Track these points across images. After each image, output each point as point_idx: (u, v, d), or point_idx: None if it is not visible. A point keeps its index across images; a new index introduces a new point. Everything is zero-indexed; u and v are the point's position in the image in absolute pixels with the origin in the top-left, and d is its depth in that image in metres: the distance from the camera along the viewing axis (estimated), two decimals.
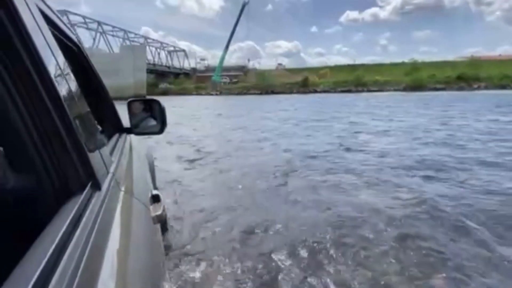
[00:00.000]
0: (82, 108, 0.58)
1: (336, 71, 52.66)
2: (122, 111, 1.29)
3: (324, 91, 41.26)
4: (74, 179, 0.46)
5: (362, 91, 39.10)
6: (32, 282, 0.25)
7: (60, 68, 0.49)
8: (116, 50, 42.32)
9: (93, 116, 0.70)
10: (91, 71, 1.08)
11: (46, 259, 0.29)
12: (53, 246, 0.31)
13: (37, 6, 0.48)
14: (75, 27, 41.83)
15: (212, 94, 46.04)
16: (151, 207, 0.82)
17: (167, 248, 1.89)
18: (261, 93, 42.84)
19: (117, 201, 0.60)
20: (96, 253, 0.39)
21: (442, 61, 51.09)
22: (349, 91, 39.40)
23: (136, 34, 53.50)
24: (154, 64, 51.98)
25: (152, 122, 1.27)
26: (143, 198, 0.80)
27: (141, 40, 53.03)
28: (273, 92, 43.00)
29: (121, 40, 49.75)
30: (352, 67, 54.24)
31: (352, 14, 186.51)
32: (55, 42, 0.52)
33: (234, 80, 55.98)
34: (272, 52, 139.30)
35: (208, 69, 66.97)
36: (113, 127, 1.20)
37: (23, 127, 0.41)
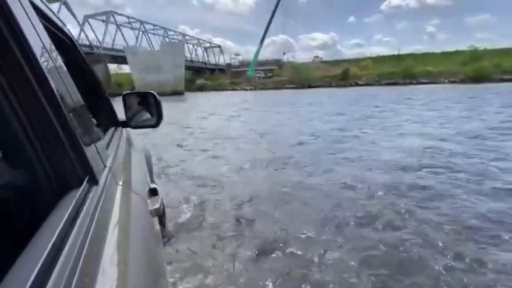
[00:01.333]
0: (77, 102, 0.58)
1: (378, 62, 48.73)
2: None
3: (367, 84, 38.28)
4: (70, 174, 0.46)
5: (411, 83, 35.39)
6: (31, 279, 0.25)
7: (53, 62, 0.49)
8: (157, 48, 43.67)
9: (88, 110, 0.70)
10: (85, 65, 1.07)
11: (44, 255, 0.29)
12: (51, 242, 0.31)
13: None
14: (121, 27, 44.14)
15: (246, 89, 45.57)
16: (148, 201, 0.82)
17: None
18: (296, 87, 41.24)
19: (114, 195, 0.59)
20: (95, 248, 0.38)
21: (507, 48, 44.33)
22: (395, 83, 35.99)
23: (175, 31, 55.06)
24: (191, 61, 53.03)
25: (148, 116, 1.25)
26: (141, 192, 0.80)
27: (180, 38, 54.37)
28: (309, 86, 41.07)
29: (161, 38, 51.67)
30: (396, 58, 49.84)
31: (394, 1, 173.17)
32: (48, 36, 0.52)
33: (269, 74, 54.90)
34: (307, 45, 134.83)
35: (243, 64, 66.77)
36: (109, 121, 1.18)
37: (18, 122, 0.40)
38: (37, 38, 0.44)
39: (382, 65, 45.62)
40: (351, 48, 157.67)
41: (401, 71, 38.72)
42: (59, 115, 0.43)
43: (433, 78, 35.82)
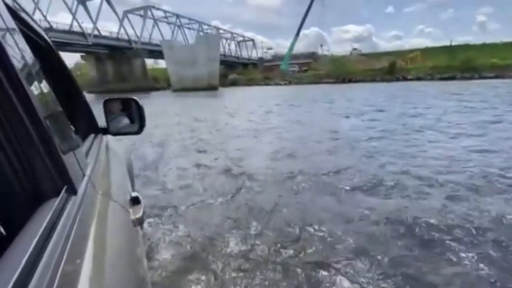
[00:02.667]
0: (54, 107, 0.57)
1: (427, 54, 43.81)
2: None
3: (418, 79, 34.36)
4: (47, 183, 0.44)
5: (471, 78, 30.92)
6: None
7: (28, 65, 0.47)
8: (192, 42, 43.49)
9: (67, 116, 0.69)
10: (63, 69, 1.04)
11: (19, 270, 0.27)
12: (26, 256, 0.29)
13: (2, 0, 0.46)
14: (157, 21, 44.56)
15: (280, 84, 43.75)
16: (130, 210, 0.80)
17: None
18: (335, 82, 38.49)
19: (94, 205, 0.58)
20: (74, 261, 0.37)
21: None
22: (452, 78, 31.73)
23: (209, 25, 54.71)
24: (224, 55, 52.34)
25: (130, 122, 1.22)
26: (122, 201, 0.78)
27: (214, 31, 53.94)
28: (350, 81, 38.07)
29: (195, 32, 51.64)
30: (449, 49, 44.49)
31: None
32: (23, 38, 0.50)
33: (304, 68, 52.48)
34: (340, 38, 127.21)
35: (275, 58, 65.19)
36: (88, 128, 1.16)
37: None
38: (11, 40, 0.43)
39: (431, 57, 40.87)
40: (389, 40, 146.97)
41: (460, 64, 34.02)
42: (34, 121, 0.41)
43: (500, 72, 30.96)
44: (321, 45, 64.04)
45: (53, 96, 0.58)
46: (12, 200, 0.42)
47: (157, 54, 44.15)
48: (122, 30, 39.77)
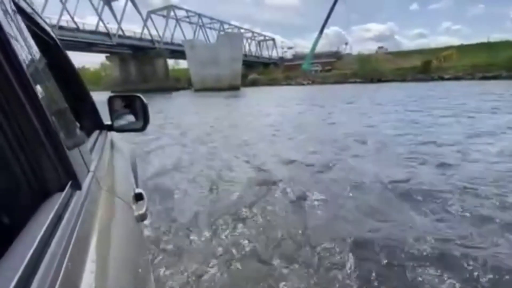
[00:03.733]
0: (60, 104, 0.57)
1: (461, 52, 40.50)
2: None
3: (456, 78, 31.66)
4: (52, 179, 0.44)
5: None
6: (11, 287, 0.24)
7: (36, 63, 0.48)
8: (213, 41, 42.99)
9: (72, 113, 0.70)
10: (69, 66, 1.05)
11: (25, 263, 0.28)
12: (32, 249, 0.30)
13: None
14: (179, 21, 44.47)
15: (303, 84, 42.26)
16: (134, 206, 0.81)
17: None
18: (363, 82, 36.47)
19: (98, 200, 0.59)
20: (78, 255, 0.38)
21: None
22: (495, 77, 28.84)
23: (230, 24, 54.05)
24: (245, 55, 51.58)
25: (134, 119, 1.23)
26: (126, 197, 0.79)
27: (235, 31, 53.27)
28: (379, 81, 35.89)
29: (217, 31, 51.20)
30: (487, 47, 41.00)
31: None
32: (31, 36, 0.51)
33: (327, 67, 50.60)
34: (361, 37, 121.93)
35: (296, 57, 63.84)
36: (93, 124, 1.16)
37: None
38: (19, 38, 0.43)
39: (468, 55, 37.70)
40: (413, 38, 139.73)
41: (504, 62, 30.85)
42: (41, 118, 0.42)
43: None
44: (346, 43, 61.58)
45: (59, 93, 0.58)
46: (18, 194, 0.43)
47: (178, 54, 44.07)
48: (145, 31, 39.93)
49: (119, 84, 40.82)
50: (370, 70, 38.38)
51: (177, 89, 39.47)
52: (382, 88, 24.58)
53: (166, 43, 42.44)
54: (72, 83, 1.06)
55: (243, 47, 50.85)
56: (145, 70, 40.46)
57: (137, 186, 1.26)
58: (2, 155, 0.40)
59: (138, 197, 0.87)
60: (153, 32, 41.10)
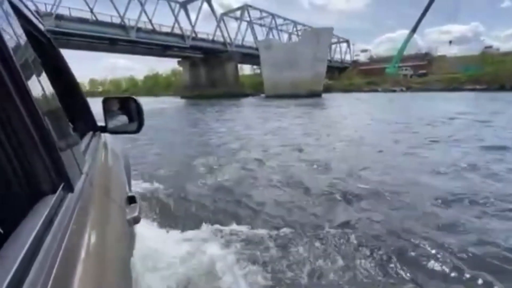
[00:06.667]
0: (53, 105, 0.57)
1: None
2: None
3: None
4: (45, 180, 0.44)
5: None
6: None
7: (29, 63, 0.47)
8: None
9: (66, 113, 0.69)
10: (63, 66, 1.04)
11: (16, 265, 0.28)
12: (22, 253, 0.30)
13: None
14: (251, 23, 41.60)
15: (394, 91, 34.66)
16: (127, 209, 0.81)
17: None
18: (487, 89, 27.31)
19: (91, 203, 0.58)
20: (69, 258, 0.37)
21: None
22: None
23: (304, 25, 49.26)
24: None
25: (129, 121, 1.23)
26: (119, 199, 0.79)
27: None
28: None
29: (287, 34, 47.21)
30: None
31: None
32: (24, 34, 0.50)
33: (421, 71, 41.67)
34: (435, 40, 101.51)
35: (372, 60, 55.90)
36: (87, 126, 1.16)
37: None
38: (12, 36, 0.42)
39: None
40: (505, 40, 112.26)
41: None
42: (34, 118, 0.41)
43: None
44: (450, 42, 50.68)
45: (52, 93, 0.57)
46: (9, 196, 0.42)
47: (249, 58, 41.17)
48: (217, 33, 37.97)
49: (189, 89, 39.67)
50: (503, 74, 28.56)
51: (246, 95, 36.22)
52: None
53: (238, 46, 39.86)
54: (65, 83, 1.04)
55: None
56: (214, 74, 38.41)
57: (130, 189, 1.30)
58: None
59: (131, 200, 0.87)
60: (225, 35, 38.96)
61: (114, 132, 1.20)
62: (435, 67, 43.55)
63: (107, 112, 1.18)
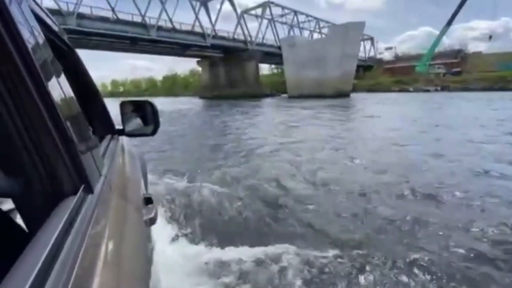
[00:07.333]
0: (74, 109, 0.58)
1: None
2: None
3: None
4: (66, 182, 0.45)
5: None
6: None
7: (51, 69, 0.49)
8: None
9: (85, 117, 0.71)
10: (82, 70, 1.07)
11: (39, 264, 0.28)
12: (46, 252, 0.30)
13: (28, 5, 0.48)
14: (272, 21, 40.10)
15: (428, 90, 32.02)
16: (143, 210, 0.83)
17: None
18: None
19: (109, 204, 0.60)
20: (90, 257, 0.38)
21: None
22: None
23: (327, 22, 47.18)
24: None
25: (145, 124, 1.26)
26: (136, 201, 0.81)
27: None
28: None
29: (308, 32, 45.41)
30: None
31: None
32: (46, 41, 0.52)
33: (456, 69, 38.51)
34: (460, 37, 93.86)
35: (398, 58, 52.79)
36: (105, 129, 1.19)
37: (13, 128, 0.40)
38: (36, 44, 0.45)
39: None
40: None
41: None
42: (56, 122, 0.43)
43: None
44: (490, 36, 46.64)
45: (73, 97, 0.59)
46: (32, 197, 0.44)
47: (269, 56, 39.73)
48: (237, 31, 36.81)
49: (208, 89, 38.79)
50: None
51: (266, 95, 34.76)
52: None
53: (258, 44, 38.50)
54: (85, 87, 1.08)
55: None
56: (234, 74, 37.27)
57: (146, 190, 1.31)
58: (18, 159, 0.41)
59: (148, 201, 0.89)
60: (245, 33, 37.72)
61: (131, 134, 1.24)
62: (470, 65, 40.18)
63: (124, 115, 1.21)
